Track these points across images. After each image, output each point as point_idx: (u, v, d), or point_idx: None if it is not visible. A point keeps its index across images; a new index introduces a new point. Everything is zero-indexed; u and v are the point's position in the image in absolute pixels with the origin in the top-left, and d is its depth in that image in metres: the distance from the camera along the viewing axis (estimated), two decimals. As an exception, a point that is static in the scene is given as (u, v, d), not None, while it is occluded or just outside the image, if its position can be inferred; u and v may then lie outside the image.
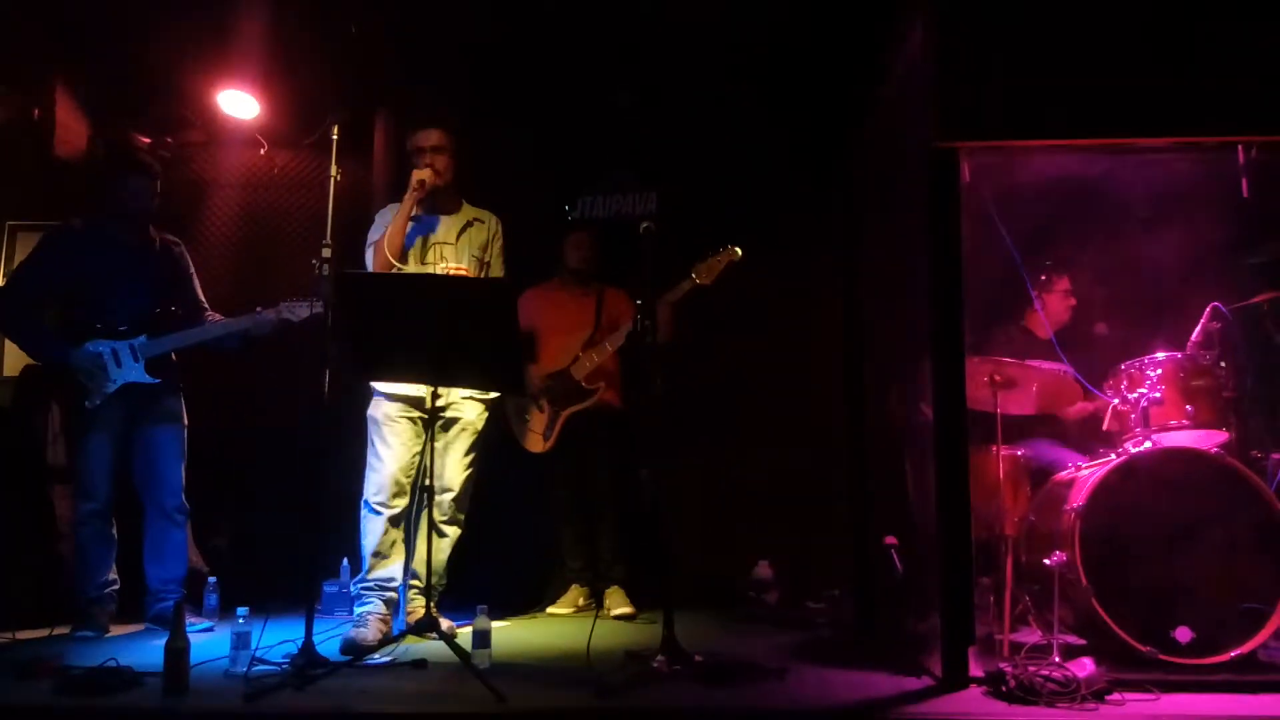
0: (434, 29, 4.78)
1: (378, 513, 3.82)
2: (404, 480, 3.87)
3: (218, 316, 4.28)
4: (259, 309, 4.09)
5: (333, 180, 3.52)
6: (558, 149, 5.31)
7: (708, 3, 4.59)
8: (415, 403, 3.86)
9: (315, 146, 5.37)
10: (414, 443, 3.89)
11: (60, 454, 4.40)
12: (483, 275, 4.01)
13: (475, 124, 5.14)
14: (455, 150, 3.98)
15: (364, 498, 3.86)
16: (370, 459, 3.88)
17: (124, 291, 4.09)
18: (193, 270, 4.37)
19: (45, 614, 4.08)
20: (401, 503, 3.87)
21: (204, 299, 4.36)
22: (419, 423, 3.90)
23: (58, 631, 3.98)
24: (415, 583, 3.96)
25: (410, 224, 3.90)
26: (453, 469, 3.95)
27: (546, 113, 5.24)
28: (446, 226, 4.02)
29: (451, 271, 3.89)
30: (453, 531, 3.98)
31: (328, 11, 4.67)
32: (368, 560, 3.82)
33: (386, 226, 3.86)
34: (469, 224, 4.05)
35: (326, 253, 3.45)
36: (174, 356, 4.22)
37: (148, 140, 5.34)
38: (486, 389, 3.93)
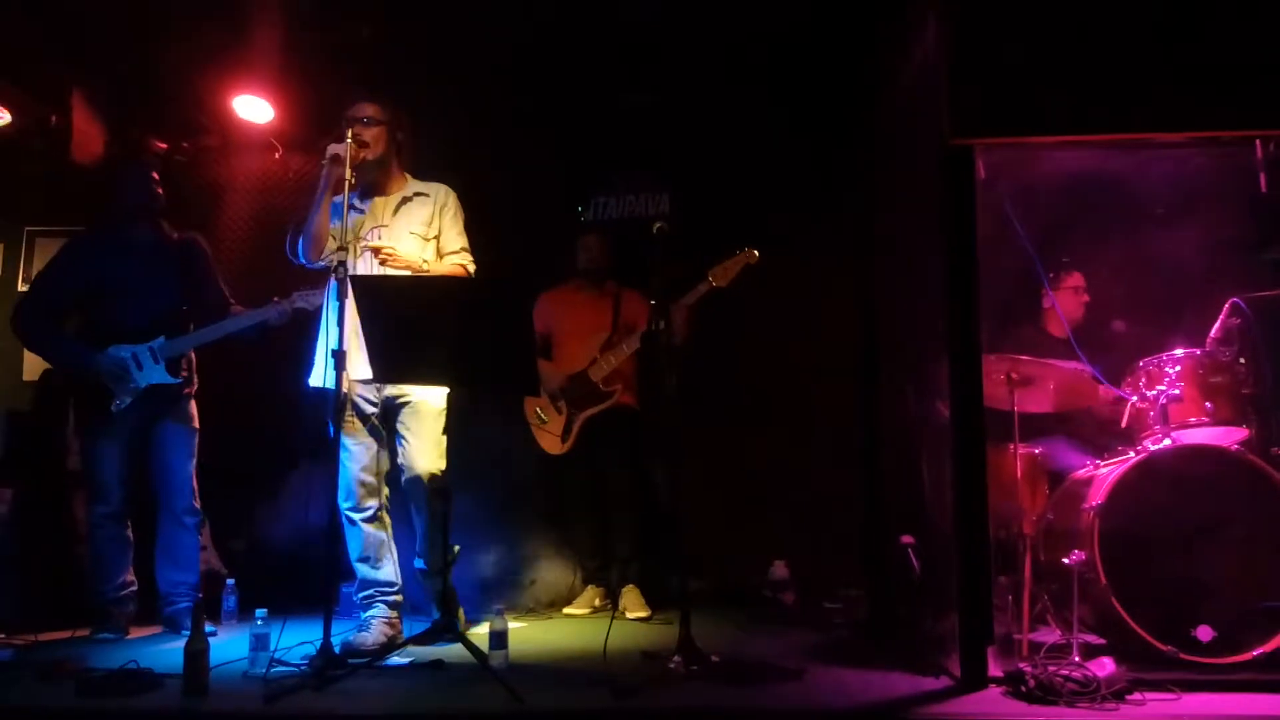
0: (447, 32, 4.79)
1: (352, 521, 3.73)
2: (370, 479, 3.75)
3: (241, 309, 4.28)
4: (275, 299, 4.08)
5: (347, 184, 3.51)
6: (571, 150, 5.32)
7: (718, 2, 4.58)
8: (351, 399, 3.72)
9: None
10: (372, 439, 3.77)
11: (78, 458, 4.43)
12: (428, 250, 3.82)
13: (488, 126, 5.19)
14: (392, 125, 3.79)
15: (338, 504, 3.70)
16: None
17: (141, 294, 4.11)
18: (213, 264, 4.38)
19: (66, 616, 4.12)
20: (373, 502, 3.76)
21: (227, 292, 4.36)
22: (374, 419, 3.78)
23: (78, 634, 4.01)
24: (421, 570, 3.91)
25: (351, 211, 3.61)
26: (424, 456, 3.76)
27: (559, 114, 5.24)
28: (381, 207, 3.83)
29: (374, 249, 3.68)
30: (436, 510, 3.76)
31: (341, 16, 4.68)
32: (357, 568, 3.76)
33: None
34: (405, 200, 3.83)
35: (341, 255, 3.45)
36: (192, 355, 4.24)
37: (164, 145, 5.38)
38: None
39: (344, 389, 3.46)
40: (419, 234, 3.82)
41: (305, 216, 3.70)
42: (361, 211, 3.81)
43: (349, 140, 3.53)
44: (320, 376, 3.68)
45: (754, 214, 5.05)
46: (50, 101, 5.03)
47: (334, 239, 3.59)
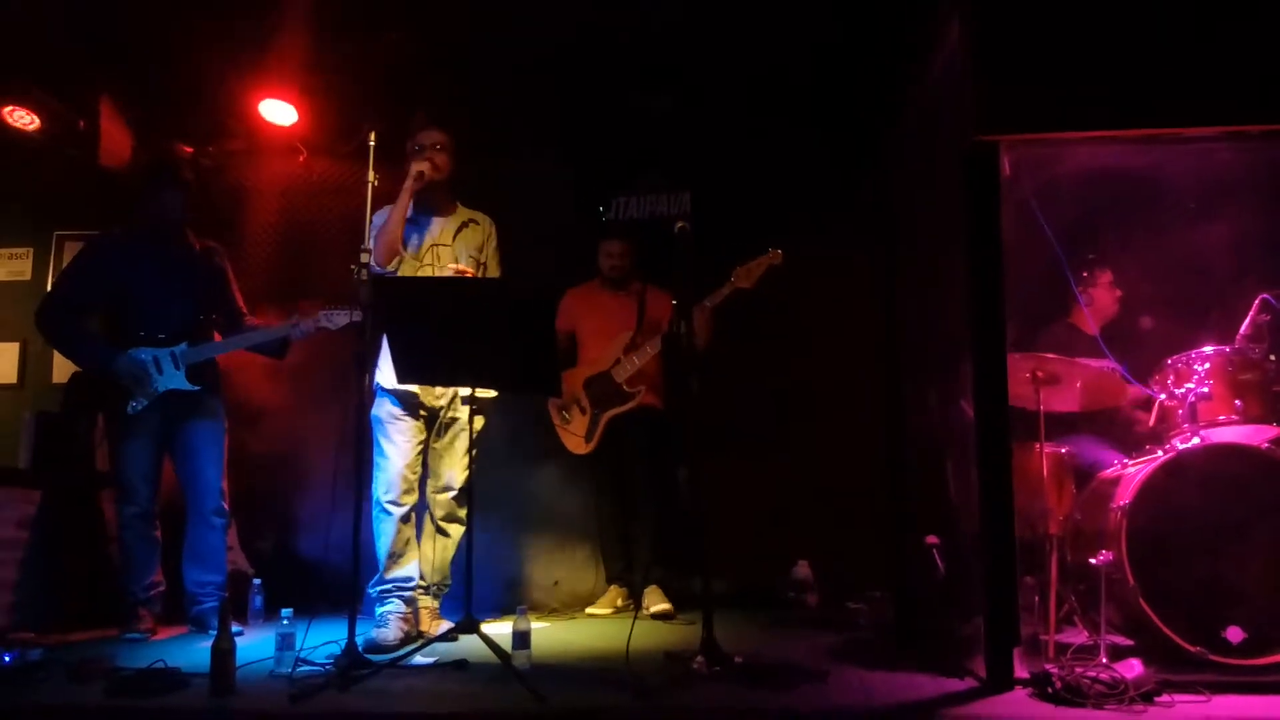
0: (471, 37, 4.81)
1: (389, 513, 3.87)
2: (411, 477, 3.92)
3: (256, 321, 4.32)
4: (297, 319, 4.13)
5: (370, 186, 3.55)
6: (594, 151, 5.31)
7: (740, 3, 4.57)
8: (416, 401, 3.92)
9: (353, 154, 5.41)
10: (419, 439, 3.95)
11: (106, 458, 4.47)
12: (479, 273, 4.04)
13: (511, 127, 5.20)
14: (455, 152, 4.03)
15: (374, 498, 3.88)
16: (377, 458, 3.91)
17: (165, 299, 4.15)
18: (232, 275, 4.42)
19: (94, 616, 4.17)
20: (411, 499, 3.92)
21: (243, 304, 4.40)
22: (422, 420, 3.96)
23: (106, 633, 4.05)
24: (421, 582, 3.98)
25: (407, 225, 3.95)
26: (453, 468, 3.98)
27: (583, 115, 5.24)
28: (442, 227, 4.06)
29: (455, 271, 3.93)
30: (455, 530, 4.01)
31: (366, 21, 4.71)
32: (384, 562, 3.86)
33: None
34: (464, 224, 4.09)
35: (365, 257, 3.48)
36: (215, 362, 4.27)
37: (190, 150, 5.42)
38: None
39: (412, 388, 3.82)
40: (475, 257, 4.06)
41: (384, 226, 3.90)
42: (426, 229, 4.04)
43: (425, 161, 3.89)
44: (386, 378, 3.83)
45: (776, 213, 5.03)
46: (78, 106, 5.09)
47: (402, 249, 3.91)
